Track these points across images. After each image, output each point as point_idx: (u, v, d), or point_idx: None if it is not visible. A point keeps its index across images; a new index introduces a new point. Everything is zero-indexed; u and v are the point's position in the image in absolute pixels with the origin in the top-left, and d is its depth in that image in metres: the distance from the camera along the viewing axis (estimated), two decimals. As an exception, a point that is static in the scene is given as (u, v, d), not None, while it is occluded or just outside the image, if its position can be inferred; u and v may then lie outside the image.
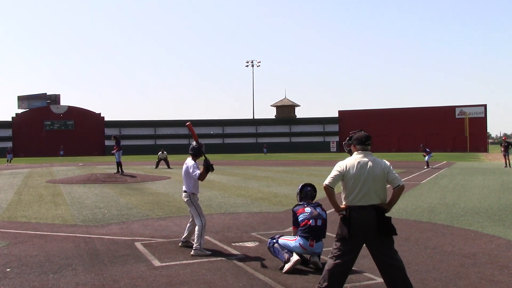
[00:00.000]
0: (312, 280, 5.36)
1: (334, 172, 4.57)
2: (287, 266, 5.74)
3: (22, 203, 12.79)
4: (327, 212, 6.19)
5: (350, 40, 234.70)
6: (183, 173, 7.01)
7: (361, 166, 4.49)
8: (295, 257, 5.75)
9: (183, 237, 7.23)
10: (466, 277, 5.45)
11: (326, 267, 4.53)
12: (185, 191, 6.99)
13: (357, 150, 4.67)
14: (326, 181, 4.56)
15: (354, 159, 4.57)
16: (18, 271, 5.87)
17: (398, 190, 4.47)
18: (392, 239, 4.49)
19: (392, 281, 4.38)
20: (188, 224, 7.25)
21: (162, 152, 31.58)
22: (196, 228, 6.79)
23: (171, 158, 35.34)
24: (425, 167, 27.39)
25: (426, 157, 28.61)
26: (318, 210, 6.02)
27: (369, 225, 4.38)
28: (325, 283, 4.47)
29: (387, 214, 4.53)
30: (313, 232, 5.83)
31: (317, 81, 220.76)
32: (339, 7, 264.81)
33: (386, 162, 4.60)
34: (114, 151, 22.61)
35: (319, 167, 30.02)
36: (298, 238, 5.86)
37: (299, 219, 5.96)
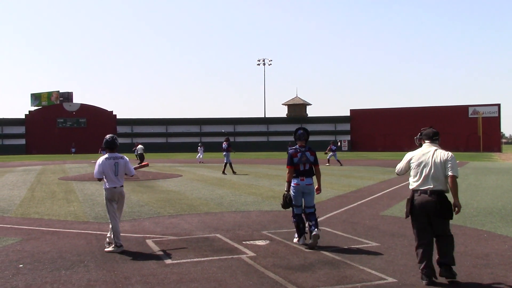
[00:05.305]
0: (322, 279, 5.34)
1: (403, 161, 5.49)
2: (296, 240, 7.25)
3: (35, 199, 12.94)
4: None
5: (362, 39, 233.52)
6: (120, 166, 7.22)
7: (425, 155, 5.29)
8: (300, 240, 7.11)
9: (119, 241, 6.81)
10: (478, 278, 5.40)
11: (415, 248, 5.33)
12: (121, 186, 7.18)
13: (425, 143, 5.44)
14: (396, 169, 5.63)
15: (421, 150, 5.41)
16: (31, 267, 5.94)
17: (450, 179, 5.11)
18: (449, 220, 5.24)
19: (443, 250, 5.22)
20: (116, 224, 6.93)
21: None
22: (115, 223, 6.86)
23: (180, 156, 35.43)
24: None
25: None
26: (307, 155, 7.10)
27: (429, 207, 5.14)
28: (419, 258, 5.25)
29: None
30: (303, 174, 7.03)
31: (329, 80, 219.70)
32: (351, 5, 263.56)
33: (449, 153, 5.26)
34: (228, 151, 23.48)
35: (331, 165, 29.89)
36: (294, 180, 7.05)
37: (294, 162, 7.04)
